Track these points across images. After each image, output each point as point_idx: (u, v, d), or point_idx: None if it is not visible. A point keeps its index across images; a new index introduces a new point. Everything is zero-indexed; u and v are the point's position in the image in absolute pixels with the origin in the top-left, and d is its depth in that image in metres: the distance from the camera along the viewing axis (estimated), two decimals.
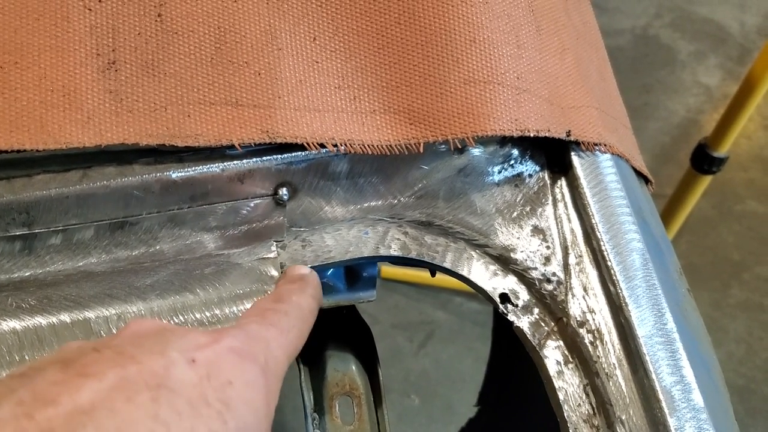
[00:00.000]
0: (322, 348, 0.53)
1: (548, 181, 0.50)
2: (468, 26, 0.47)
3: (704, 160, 1.41)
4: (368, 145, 0.45)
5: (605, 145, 0.50)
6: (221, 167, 0.44)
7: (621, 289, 0.46)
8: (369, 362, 0.53)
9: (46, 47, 0.43)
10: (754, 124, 2.11)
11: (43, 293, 0.43)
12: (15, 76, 0.42)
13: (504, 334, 0.89)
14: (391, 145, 0.45)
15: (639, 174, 0.55)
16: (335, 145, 0.45)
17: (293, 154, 0.45)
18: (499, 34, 0.47)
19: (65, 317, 0.42)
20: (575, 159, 0.50)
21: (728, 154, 1.41)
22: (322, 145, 0.44)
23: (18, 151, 0.41)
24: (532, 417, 0.79)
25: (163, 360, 0.30)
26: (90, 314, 0.42)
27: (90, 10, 0.44)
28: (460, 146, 0.46)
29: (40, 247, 0.43)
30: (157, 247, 0.45)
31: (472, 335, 1.68)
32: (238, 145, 0.43)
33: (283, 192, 0.46)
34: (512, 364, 0.89)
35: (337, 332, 0.53)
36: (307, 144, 0.44)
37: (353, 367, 0.52)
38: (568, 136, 0.48)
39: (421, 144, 0.46)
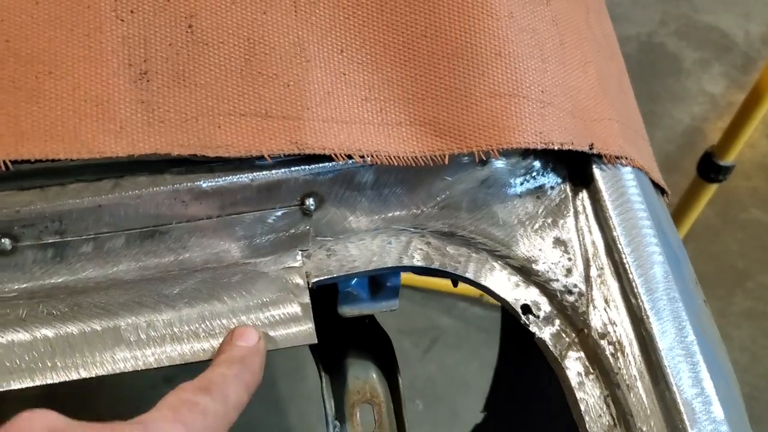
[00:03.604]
0: (342, 356, 0.53)
1: (570, 194, 0.51)
2: (493, 40, 0.47)
3: (711, 169, 1.42)
4: (394, 157, 0.46)
5: (627, 158, 0.51)
6: (251, 177, 0.44)
7: (642, 302, 0.47)
8: (389, 370, 0.54)
9: (80, 57, 0.43)
10: (758, 132, 2.11)
11: (73, 300, 0.43)
12: (49, 86, 0.42)
13: (512, 341, 0.90)
14: (416, 157, 0.46)
15: (656, 185, 0.56)
16: (362, 157, 0.45)
17: (321, 164, 0.45)
18: (524, 48, 0.48)
19: (96, 325, 0.43)
20: (597, 172, 0.50)
21: (734, 162, 1.42)
22: (350, 156, 0.45)
23: (52, 161, 0.42)
24: (539, 425, 0.79)
25: None
26: (120, 322, 0.43)
27: (122, 20, 0.44)
28: (484, 158, 0.47)
29: (71, 255, 0.43)
30: (186, 256, 0.45)
31: (477, 341, 1.69)
32: (268, 156, 0.44)
33: (310, 202, 0.46)
34: (520, 372, 0.90)
35: (358, 340, 0.54)
36: (335, 155, 0.45)
37: (374, 375, 0.53)
38: (590, 149, 0.49)
39: (446, 156, 0.46)
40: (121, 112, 0.43)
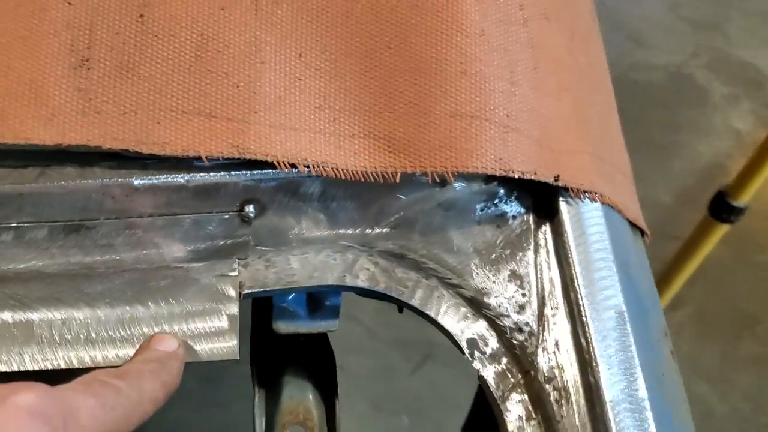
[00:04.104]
0: (280, 373, 0.51)
1: (532, 226, 0.48)
2: (460, 57, 0.45)
3: (723, 209, 1.37)
4: (342, 170, 0.43)
5: (596, 194, 0.48)
6: (186, 178, 0.42)
7: (593, 347, 0.44)
8: (327, 393, 0.51)
9: (18, 37, 0.41)
10: None
11: None
12: None
13: None
14: (366, 172, 0.44)
15: (634, 225, 0.53)
16: (307, 167, 0.43)
17: (263, 171, 0.43)
18: (492, 68, 0.45)
19: (7, 316, 0.41)
20: (563, 205, 0.47)
21: (748, 203, 1.37)
22: (294, 165, 0.43)
23: None
24: None
25: None
26: (34, 316, 0.41)
27: (70, 3, 0.43)
28: (438, 180, 0.44)
29: None
30: (114, 254, 0.43)
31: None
32: (205, 157, 0.42)
33: (250, 209, 0.44)
34: None
35: (299, 359, 0.51)
36: (278, 163, 0.42)
37: (310, 397, 0.51)
38: (556, 180, 0.46)
39: (398, 174, 0.44)
40: (54, 98, 0.41)
